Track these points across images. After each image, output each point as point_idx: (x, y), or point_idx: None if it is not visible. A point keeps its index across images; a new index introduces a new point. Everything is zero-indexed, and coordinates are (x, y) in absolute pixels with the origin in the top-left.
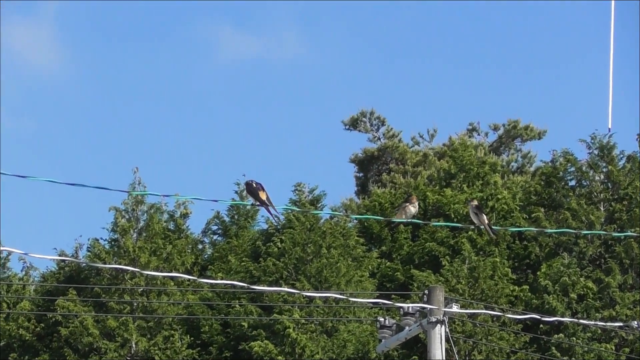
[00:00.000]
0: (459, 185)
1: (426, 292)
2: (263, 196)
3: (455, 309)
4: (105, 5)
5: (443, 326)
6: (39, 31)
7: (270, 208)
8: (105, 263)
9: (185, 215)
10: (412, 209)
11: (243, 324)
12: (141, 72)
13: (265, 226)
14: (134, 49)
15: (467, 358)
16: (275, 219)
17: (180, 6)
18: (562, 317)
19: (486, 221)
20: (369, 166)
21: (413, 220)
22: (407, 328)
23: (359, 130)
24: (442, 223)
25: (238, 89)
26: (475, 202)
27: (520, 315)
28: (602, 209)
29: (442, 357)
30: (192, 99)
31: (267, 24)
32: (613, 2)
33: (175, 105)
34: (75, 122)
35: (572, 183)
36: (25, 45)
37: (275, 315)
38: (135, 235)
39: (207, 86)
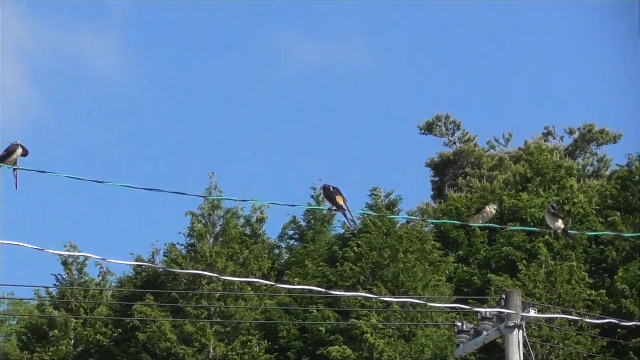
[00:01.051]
0: (535, 189)
1: (503, 296)
2: (340, 200)
3: (532, 313)
4: (175, 13)
5: (520, 330)
6: (107, 38)
7: (346, 212)
8: (182, 268)
9: (261, 220)
10: (492, 211)
11: (320, 328)
12: (212, 79)
13: (341, 231)
14: (203, 55)
15: None
16: (352, 223)
17: (250, 13)
18: None
19: (562, 225)
20: (444, 170)
21: (489, 224)
22: (484, 332)
23: (435, 135)
24: (518, 227)
25: (310, 95)
26: (556, 205)
27: (597, 319)
28: None
29: None
30: (266, 105)
31: (335, 31)
32: None
33: (249, 111)
34: (148, 128)
35: None
36: (92, 52)
37: (352, 319)
38: (211, 240)
39: (279, 92)
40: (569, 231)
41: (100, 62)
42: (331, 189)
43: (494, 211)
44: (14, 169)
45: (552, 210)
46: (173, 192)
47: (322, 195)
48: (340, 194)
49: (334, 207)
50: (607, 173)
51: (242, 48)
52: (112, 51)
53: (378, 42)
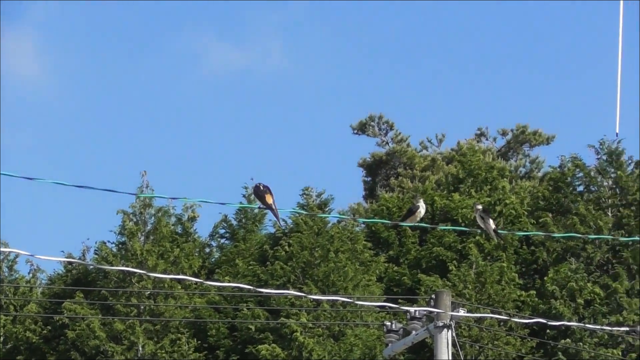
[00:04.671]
0: (467, 190)
1: (433, 296)
2: (269, 200)
3: (462, 313)
4: (92, 14)
5: (450, 330)
6: (22, 39)
7: (276, 212)
8: (112, 266)
9: (192, 219)
10: (421, 211)
11: (250, 327)
12: (132, 80)
13: (272, 230)
14: (122, 56)
15: None
16: (283, 222)
17: (166, 15)
18: (569, 322)
19: (492, 226)
20: (377, 170)
21: (420, 224)
22: (413, 332)
23: (368, 135)
24: (449, 227)
25: (238, 96)
26: (481, 206)
27: (526, 320)
28: (610, 214)
29: None
30: (194, 106)
31: (254, 35)
32: (622, 5)
33: (180, 111)
34: (74, 129)
35: (580, 188)
36: (9, 55)
37: (282, 319)
38: (142, 238)
39: (203, 94)
40: (500, 231)
41: (16, 63)
42: (262, 187)
43: (422, 211)
44: None
45: (478, 210)
46: (103, 190)
47: (253, 194)
48: (270, 193)
49: (264, 206)
50: (540, 174)
51: (161, 50)
52: (28, 53)
53: (293, 47)
